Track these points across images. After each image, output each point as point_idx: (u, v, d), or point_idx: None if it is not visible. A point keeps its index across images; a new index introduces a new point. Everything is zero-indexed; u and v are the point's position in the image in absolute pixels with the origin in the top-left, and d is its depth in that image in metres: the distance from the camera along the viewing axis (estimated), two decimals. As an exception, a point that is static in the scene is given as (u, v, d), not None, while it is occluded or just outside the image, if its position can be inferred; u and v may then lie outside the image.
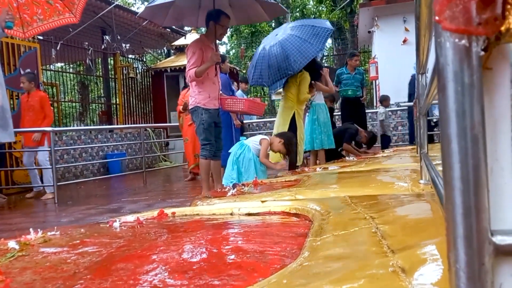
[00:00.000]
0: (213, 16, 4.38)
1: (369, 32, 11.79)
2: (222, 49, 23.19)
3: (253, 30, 20.00)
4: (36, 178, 6.11)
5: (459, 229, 0.39)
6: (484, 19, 0.34)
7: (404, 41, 10.16)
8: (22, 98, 6.17)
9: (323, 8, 19.66)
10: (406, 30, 10.12)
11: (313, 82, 5.42)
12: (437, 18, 0.36)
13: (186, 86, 6.55)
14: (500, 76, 0.39)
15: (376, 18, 10.62)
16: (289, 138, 4.30)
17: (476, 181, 0.38)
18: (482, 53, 0.36)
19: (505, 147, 0.40)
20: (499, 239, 0.39)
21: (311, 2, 21.82)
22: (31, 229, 1.53)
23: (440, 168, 0.91)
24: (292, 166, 4.97)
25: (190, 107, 4.41)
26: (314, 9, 22.16)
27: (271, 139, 4.27)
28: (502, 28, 0.34)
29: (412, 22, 9.41)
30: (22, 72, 6.96)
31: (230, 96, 5.52)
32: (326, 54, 15.14)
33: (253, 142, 4.25)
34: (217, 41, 4.59)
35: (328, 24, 5.51)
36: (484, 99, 0.38)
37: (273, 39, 5.47)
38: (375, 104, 12.39)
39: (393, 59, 10.06)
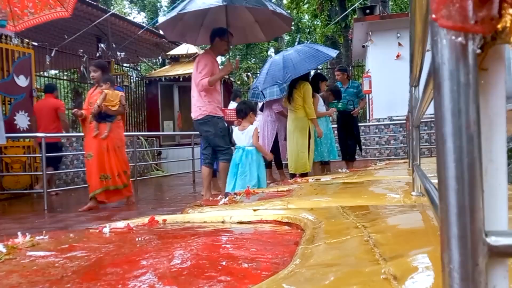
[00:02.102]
0: (219, 32, 4.59)
1: (363, 46, 11.91)
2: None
3: (248, 42, 20.13)
4: None
5: (453, 229, 0.38)
6: (481, 17, 0.35)
7: (398, 56, 10.26)
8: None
9: (318, 23, 19.84)
10: (400, 45, 10.23)
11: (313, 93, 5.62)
12: (433, 16, 0.36)
13: (94, 84, 5.48)
14: (495, 76, 0.39)
15: (370, 33, 10.73)
16: (248, 105, 4.45)
17: (471, 181, 0.38)
18: (479, 51, 0.36)
19: (500, 147, 0.40)
20: (493, 240, 0.39)
21: (306, 16, 22.01)
22: (19, 233, 1.50)
23: (433, 180, 0.91)
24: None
25: (200, 117, 4.46)
26: (309, 23, 22.35)
27: (249, 122, 4.27)
28: (499, 26, 0.35)
29: (405, 38, 9.53)
30: (15, 77, 6.92)
31: (230, 108, 5.71)
32: (320, 67, 15.24)
33: (249, 141, 4.18)
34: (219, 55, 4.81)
35: (333, 52, 6.00)
36: (480, 99, 0.38)
37: (285, 52, 6.08)
38: (368, 118, 12.45)
39: (386, 73, 10.16)
